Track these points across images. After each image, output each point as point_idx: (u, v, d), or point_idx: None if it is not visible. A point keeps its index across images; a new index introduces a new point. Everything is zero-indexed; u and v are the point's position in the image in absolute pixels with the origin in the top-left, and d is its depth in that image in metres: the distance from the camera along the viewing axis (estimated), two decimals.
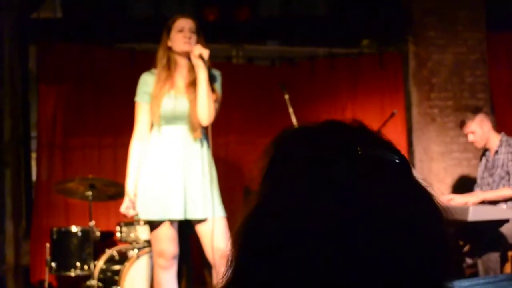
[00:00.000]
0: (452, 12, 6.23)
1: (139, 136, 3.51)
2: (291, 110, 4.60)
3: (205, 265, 4.59)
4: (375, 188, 0.62)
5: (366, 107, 6.35)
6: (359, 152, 0.65)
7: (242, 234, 0.65)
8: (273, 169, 0.68)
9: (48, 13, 6.13)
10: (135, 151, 3.50)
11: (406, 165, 0.67)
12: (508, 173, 4.62)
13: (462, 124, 4.85)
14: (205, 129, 3.52)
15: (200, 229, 3.50)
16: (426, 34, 6.23)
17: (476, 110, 4.91)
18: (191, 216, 3.43)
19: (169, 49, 3.50)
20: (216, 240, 3.42)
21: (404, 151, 6.29)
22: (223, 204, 3.55)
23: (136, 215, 3.48)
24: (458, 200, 4.62)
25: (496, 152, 4.72)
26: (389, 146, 0.68)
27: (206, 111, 3.40)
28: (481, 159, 4.95)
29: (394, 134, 6.13)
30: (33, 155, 5.95)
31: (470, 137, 4.79)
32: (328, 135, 0.68)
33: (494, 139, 4.74)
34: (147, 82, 3.50)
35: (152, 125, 3.52)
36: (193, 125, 3.43)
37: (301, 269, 0.59)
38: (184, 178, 3.42)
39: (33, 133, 6.00)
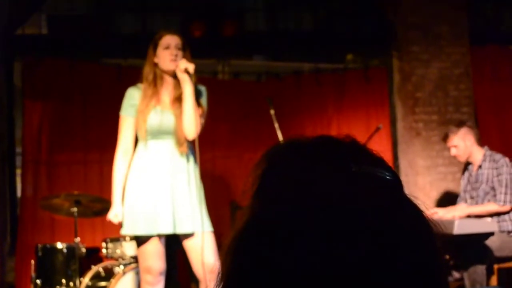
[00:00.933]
0: (435, 27, 6.29)
1: (123, 151, 3.50)
2: (276, 125, 4.62)
3: (193, 280, 4.57)
4: (368, 205, 0.62)
5: (351, 122, 6.39)
6: (352, 169, 0.65)
7: (232, 250, 0.65)
8: (265, 184, 0.68)
9: (34, 29, 6.13)
10: (120, 166, 3.49)
11: (397, 181, 0.68)
12: (493, 188, 4.63)
13: (445, 138, 4.86)
14: (191, 143, 3.52)
15: (187, 244, 3.49)
16: (410, 49, 6.29)
17: (459, 124, 4.92)
18: (180, 230, 3.41)
19: (155, 65, 3.51)
20: (205, 255, 3.41)
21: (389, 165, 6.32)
22: (210, 219, 3.55)
23: (121, 223, 3.46)
24: (442, 213, 4.64)
25: (480, 166, 4.73)
26: (381, 163, 0.68)
27: (192, 125, 3.41)
28: (463, 172, 4.97)
29: (380, 148, 6.12)
30: (18, 171, 5.91)
31: (453, 151, 4.80)
32: (321, 150, 0.68)
33: (477, 154, 4.75)
34: (133, 96, 3.50)
35: (136, 140, 3.51)
36: (179, 140, 3.43)
37: (292, 286, 0.59)
38: (172, 192, 3.42)
39: (18, 149, 5.97)
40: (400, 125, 6.41)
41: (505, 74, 6.68)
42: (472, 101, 6.36)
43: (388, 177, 0.66)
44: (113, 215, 3.47)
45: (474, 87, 6.39)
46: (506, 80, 6.67)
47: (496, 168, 4.62)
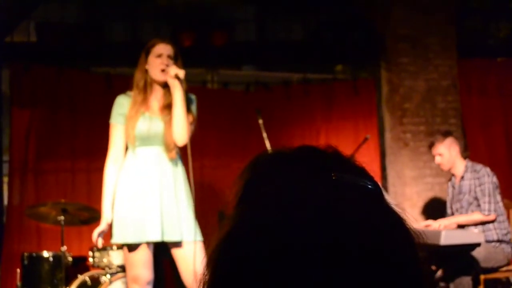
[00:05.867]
0: (424, 39, 6.34)
1: (113, 158, 3.48)
2: (265, 135, 4.62)
3: None
4: (348, 214, 0.63)
5: (340, 132, 6.41)
6: (333, 178, 0.66)
7: (214, 258, 0.66)
8: (247, 193, 0.69)
9: (23, 37, 6.11)
10: (110, 174, 3.47)
11: (378, 191, 0.68)
12: (476, 198, 4.69)
13: (431, 145, 4.94)
14: (181, 150, 3.51)
15: (176, 253, 3.47)
16: (398, 60, 6.33)
17: (446, 133, 5.01)
18: (168, 238, 3.40)
19: (146, 72, 3.51)
20: (196, 265, 3.39)
21: (377, 175, 6.34)
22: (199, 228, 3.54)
23: (101, 248, 3.42)
24: (435, 225, 4.65)
25: (462, 178, 4.81)
26: (362, 172, 0.69)
27: (182, 130, 3.39)
28: (448, 187, 5.03)
29: (368, 158, 6.19)
30: (5, 179, 5.87)
31: (437, 159, 4.88)
32: (303, 160, 0.69)
33: (459, 165, 4.83)
34: (122, 104, 3.50)
35: (126, 147, 3.50)
36: (168, 146, 3.43)
37: None
38: (160, 199, 3.40)
39: (5, 157, 5.93)
40: (388, 135, 6.44)
41: (492, 86, 6.74)
42: (459, 113, 6.40)
43: (369, 186, 0.67)
44: (96, 235, 3.44)
45: (462, 99, 6.44)
46: (493, 92, 6.73)
47: (478, 178, 4.69)
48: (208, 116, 5.41)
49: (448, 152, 4.81)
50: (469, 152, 4.98)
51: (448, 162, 4.83)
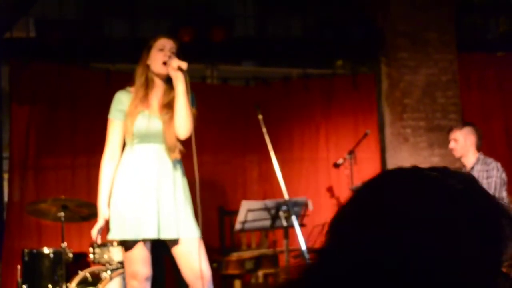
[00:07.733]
0: (424, 34, 6.34)
1: (110, 154, 3.47)
2: (264, 130, 4.62)
3: (181, 286, 4.55)
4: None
5: (340, 127, 6.40)
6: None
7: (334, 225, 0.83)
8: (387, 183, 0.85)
9: (22, 33, 6.10)
10: (106, 170, 3.45)
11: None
12: None
13: (449, 130, 5.04)
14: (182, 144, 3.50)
15: (175, 250, 3.47)
16: (398, 55, 6.33)
17: (467, 123, 5.11)
18: (164, 235, 3.40)
19: (148, 67, 3.50)
20: (195, 260, 3.39)
21: (377, 171, 6.34)
22: (198, 224, 3.53)
23: (102, 244, 3.41)
24: None
25: (472, 168, 4.84)
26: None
27: (185, 123, 3.37)
28: None
29: (368, 154, 6.18)
30: (5, 176, 5.87)
31: (452, 144, 4.94)
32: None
33: (471, 156, 4.87)
34: (121, 100, 3.48)
35: (124, 144, 3.49)
36: (170, 146, 3.41)
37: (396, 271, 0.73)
38: (157, 197, 3.40)
39: (5, 154, 5.93)
40: (388, 131, 6.44)
41: (491, 81, 6.74)
42: (459, 107, 6.40)
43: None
44: (95, 232, 3.44)
45: (462, 94, 6.44)
46: (493, 87, 6.73)
47: (487, 171, 4.72)
48: (208, 111, 5.40)
49: (463, 140, 4.87)
50: (481, 147, 5.01)
51: (462, 149, 4.88)
